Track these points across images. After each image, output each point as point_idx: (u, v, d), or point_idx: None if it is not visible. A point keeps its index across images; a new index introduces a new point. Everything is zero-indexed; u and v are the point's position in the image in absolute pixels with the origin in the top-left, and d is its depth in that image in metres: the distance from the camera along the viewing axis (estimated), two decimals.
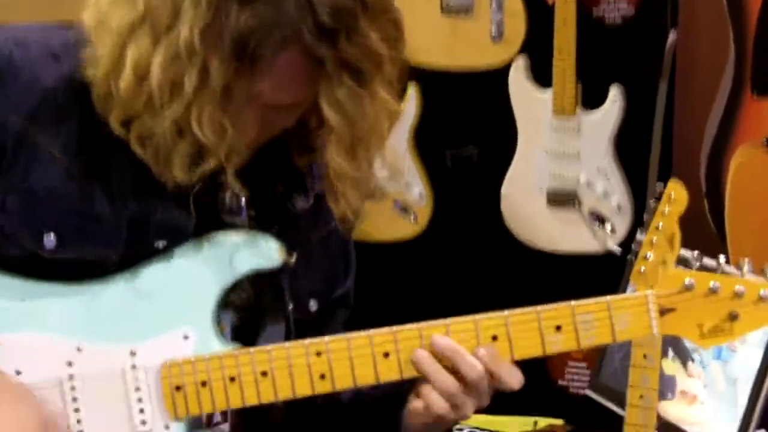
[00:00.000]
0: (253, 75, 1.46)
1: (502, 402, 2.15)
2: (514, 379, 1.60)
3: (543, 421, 2.84)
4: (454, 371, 1.59)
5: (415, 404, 1.64)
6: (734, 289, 1.59)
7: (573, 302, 1.60)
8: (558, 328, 1.60)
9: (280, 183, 1.68)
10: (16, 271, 1.58)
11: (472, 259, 3.21)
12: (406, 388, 1.65)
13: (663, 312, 1.61)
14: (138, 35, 1.48)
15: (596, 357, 2.66)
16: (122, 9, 1.49)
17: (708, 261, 1.66)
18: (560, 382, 3.01)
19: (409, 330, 1.59)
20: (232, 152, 1.52)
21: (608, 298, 1.61)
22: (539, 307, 1.60)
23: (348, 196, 1.59)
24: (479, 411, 2.25)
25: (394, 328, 1.59)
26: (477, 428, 2.77)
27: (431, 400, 1.60)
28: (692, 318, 1.61)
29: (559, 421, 2.85)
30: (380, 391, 1.65)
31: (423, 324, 1.59)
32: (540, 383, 2.95)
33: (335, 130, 1.51)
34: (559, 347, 1.61)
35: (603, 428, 2.16)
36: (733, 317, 1.60)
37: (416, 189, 3.12)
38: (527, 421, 2.83)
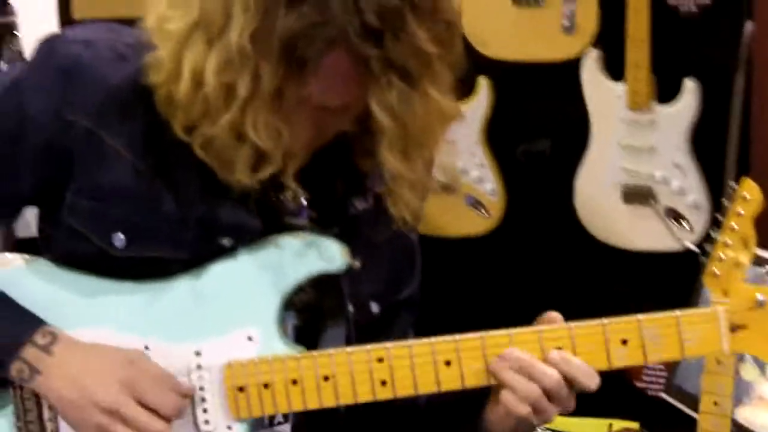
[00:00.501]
0: (302, 77, 1.46)
1: (578, 403, 2.13)
2: (591, 380, 1.57)
3: (618, 424, 2.81)
4: (531, 380, 1.57)
5: (495, 408, 1.63)
6: None
7: (640, 316, 1.58)
8: (624, 342, 1.58)
9: (341, 184, 1.67)
10: (86, 268, 1.62)
11: (544, 255, 3.18)
12: (484, 391, 1.63)
13: (734, 329, 1.58)
14: (193, 41, 1.48)
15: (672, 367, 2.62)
16: (178, 14, 1.50)
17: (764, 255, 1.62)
18: (638, 384, 2.97)
19: (471, 339, 1.58)
20: (289, 155, 1.53)
21: (677, 312, 1.59)
22: (605, 320, 1.58)
23: (405, 197, 1.59)
24: None
25: (457, 336, 1.58)
26: (550, 429, 2.74)
27: (513, 406, 1.58)
28: (764, 335, 1.58)
29: (634, 424, 2.82)
30: (459, 394, 1.63)
31: (485, 333, 1.58)
32: (617, 385, 2.92)
33: (386, 132, 1.50)
34: (625, 361, 1.59)
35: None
36: None
37: (488, 184, 3.10)
38: (602, 424, 2.80)
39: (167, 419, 1.57)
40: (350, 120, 1.57)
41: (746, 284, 1.60)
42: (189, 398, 1.58)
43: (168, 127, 1.54)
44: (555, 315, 1.62)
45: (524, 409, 1.57)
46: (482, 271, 3.26)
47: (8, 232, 3.39)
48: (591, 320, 1.58)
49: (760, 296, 1.57)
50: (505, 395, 1.58)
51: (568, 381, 1.57)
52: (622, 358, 1.58)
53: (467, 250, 3.21)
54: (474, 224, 3.14)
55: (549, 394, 1.56)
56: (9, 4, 3.53)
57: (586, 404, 2.58)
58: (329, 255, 1.62)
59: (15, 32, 3.54)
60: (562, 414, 1.61)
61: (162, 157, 1.59)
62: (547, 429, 2.70)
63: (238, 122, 1.48)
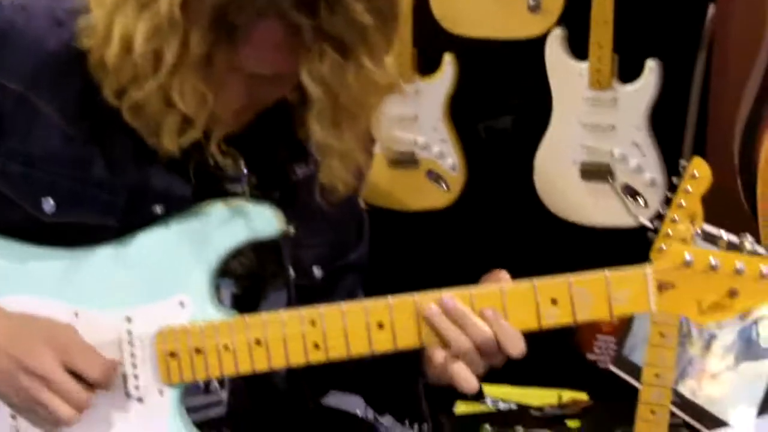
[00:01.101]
0: (233, 45, 1.46)
1: (530, 373, 2.15)
2: (516, 346, 1.56)
3: (567, 394, 2.83)
4: (464, 332, 1.56)
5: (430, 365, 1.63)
6: (734, 266, 1.56)
7: (570, 275, 1.58)
8: (554, 301, 1.57)
9: (283, 151, 1.68)
10: (16, 235, 1.61)
11: (503, 230, 3.19)
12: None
13: (662, 288, 1.59)
14: (125, 6, 1.49)
15: (623, 331, 2.65)
16: None
17: (712, 230, 1.64)
18: (589, 356, 2.99)
19: (404, 301, 1.58)
20: (216, 122, 1.53)
21: (606, 272, 1.58)
22: (536, 280, 1.59)
23: (334, 168, 1.59)
24: (505, 381, 2.24)
25: (389, 297, 1.58)
26: (500, 399, 2.77)
27: (445, 361, 1.57)
28: (691, 294, 1.58)
29: (583, 395, 2.84)
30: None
31: (417, 294, 1.58)
32: (569, 356, 2.94)
33: (316, 102, 1.50)
34: (555, 320, 1.58)
35: (625, 403, 2.15)
36: (732, 294, 1.57)
37: (450, 159, 3.11)
38: (551, 394, 2.82)
39: (94, 388, 1.56)
40: (286, 88, 1.57)
41: (676, 244, 1.61)
42: (117, 370, 1.58)
43: (101, 92, 1.54)
44: (502, 274, 1.62)
45: (455, 364, 1.56)
46: (442, 244, 3.26)
47: None
48: (522, 280, 1.58)
49: (688, 256, 1.57)
50: (437, 353, 1.57)
51: (497, 341, 1.56)
52: (551, 317, 1.58)
53: (427, 223, 3.21)
54: (434, 198, 3.14)
55: (480, 349, 1.56)
56: None
57: (537, 374, 2.62)
58: (262, 221, 1.61)
59: None
60: (507, 381, 1.61)
61: (95, 123, 1.58)
62: (496, 399, 2.74)
63: (165, 87, 1.49)
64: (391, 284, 1.83)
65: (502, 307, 1.57)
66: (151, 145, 1.56)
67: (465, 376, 1.57)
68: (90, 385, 1.56)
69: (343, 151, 1.57)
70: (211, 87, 1.50)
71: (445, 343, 1.57)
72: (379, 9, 1.47)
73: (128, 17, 1.48)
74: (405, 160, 3.11)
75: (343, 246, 1.83)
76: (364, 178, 1.72)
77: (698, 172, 1.88)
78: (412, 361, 1.65)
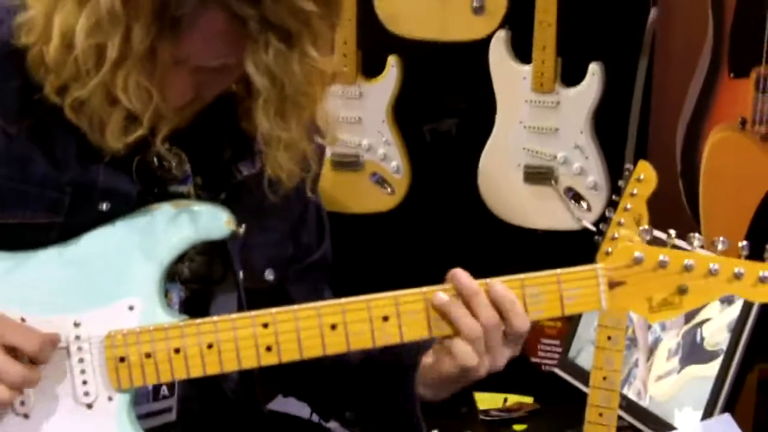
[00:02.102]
0: (177, 37, 1.43)
1: None
2: (524, 323, 1.56)
3: (513, 398, 2.84)
4: (473, 313, 1.55)
5: (428, 360, 1.64)
6: (683, 263, 1.57)
7: (523, 275, 1.58)
8: None
9: (228, 150, 1.66)
10: None
11: (448, 233, 3.20)
12: (417, 347, 1.64)
13: (612, 285, 1.59)
14: (64, 2, 1.45)
15: (567, 334, 2.66)
16: None
17: (659, 234, 1.64)
18: (533, 359, 3.00)
19: (356, 302, 1.57)
20: (161, 118, 1.50)
21: (558, 271, 1.58)
22: (488, 280, 1.58)
23: (279, 159, 1.56)
24: None
25: (342, 300, 1.57)
26: None
27: (457, 350, 1.56)
28: (641, 291, 1.59)
29: (528, 399, 2.85)
30: (391, 354, 1.64)
31: (370, 296, 1.57)
32: (513, 360, 2.94)
33: (262, 92, 1.47)
34: None
35: (571, 406, 2.15)
36: (682, 291, 1.58)
37: (394, 161, 3.11)
38: (497, 398, 2.83)
39: (35, 365, 1.51)
40: (231, 80, 1.55)
41: (626, 243, 1.61)
42: (55, 343, 1.53)
43: (41, 89, 1.51)
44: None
45: (466, 350, 1.55)
46: (386, 247, 3.27)
47: None
48: (476, 279, 1.57)
49: (638, 253, 1.57)
50: (447, 339, 1.56)
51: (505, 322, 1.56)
52: None
53: (372, 226, 3.21)
54: (378, 201, 3.14)
55: (486, 335, 1.55)
56: None
57: (483, 379, 2.61)
58: (211, 222, 1.59)
59: None
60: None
61: (35, 121, 1.54)
62: None
63: (108, 84, 1.45)
64: (336, 286, 1.82)
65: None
66: (94, 143, 1.52)
67: (470, 357, 1.56)
68: (30, 362, 1.51)
69: (288, 141, 1.54)
70: (155, 82, 1.47)
71: (455, 331, 1.55)
72: None
73: (68, 12, 1.44)
74: (349, 163, 3.11)
75: (306, 247, 1.81)
76: (316, 169, 1.68)
77: (644, 175, 1.90)
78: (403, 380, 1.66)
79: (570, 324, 2.64)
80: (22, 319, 1.54)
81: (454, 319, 1.56)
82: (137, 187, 1.59)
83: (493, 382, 2.73)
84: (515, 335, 1.57)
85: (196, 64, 1.48)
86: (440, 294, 1.56)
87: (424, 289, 1.58)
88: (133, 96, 1.46)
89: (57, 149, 1.55)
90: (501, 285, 1.56)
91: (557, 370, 2.62)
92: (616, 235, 1.87)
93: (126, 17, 1.41)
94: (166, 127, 1.52)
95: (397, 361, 1.68)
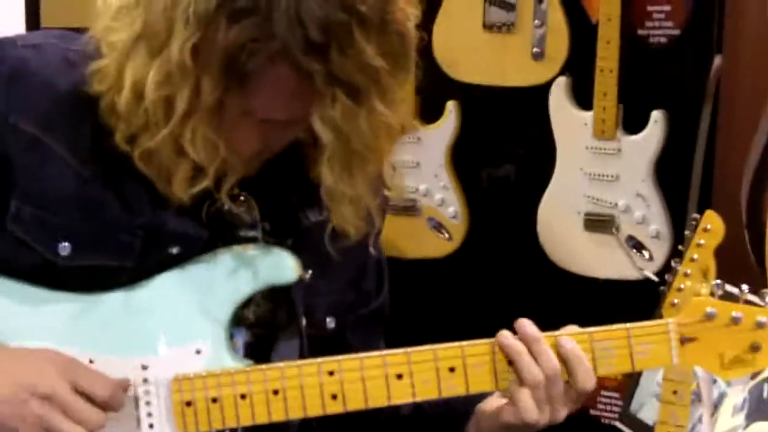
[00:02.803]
0: (245, 91, 1.44)
1: None
2: (589, 381, 1.55)
3: None
4: (535, 360, 1.55)
5: (487, 407, 1.63)
6: (757, 320, 1.56)
7: (591, 329, 1.57)
8: None
9: (295, 196, 1.66)
10: (31, 279, 1.57)
11: (506, 280, 3.18)
12: (472, 399, 1.64)
13: (684, 341, 1.58)
14: (136, 53, 1.47)
15: (628, 386, 2.62)
16: (122, 26, 1.49)
17: (731, 289, 1.62)
18: (592, 412, 2.97)
19: (422, 351, 1.56)
20: (228, 168, 1.51)
21: (628, 325, 1.58)
22: (557, 333, 1.57)
23: (344, 213, 1.56)
24: None
25: (409, 349, 1.56)
26: None
27: (519, 398, 1.55)
28: (713, 348, 1.58)
29: None
30: (443, 405, 1.63)
31: (437, 346, 1.57)
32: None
33: (328, 147, 1.47)
34: None
35: None
36: (755, 348, 1.57)
37: (451, 207, 3.10)
38: None
39: (105, 409, 1.52)
40: (299, 132, 1.55)
41: (698, 297, 1.59)
42: (127, 389, 1.54)
43: (112, 136, 1.52)
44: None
45: (528, 400, 1.54)
46: (442, 293, 3.25)
47: None
48: (544, 333, 1.57)
49: (710, 309, 1.56)
50: (513, 386, 1.55)
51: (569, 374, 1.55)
52: None
53: (428, 272, 3.20)
54: (435, 247, 3.14)
55: (548, 384, 1.54)
56: None
57: (540, 430, 2.56)
58: (278, 267, 1.59)
59: None
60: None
61: (108, 165, 1.55)
62: None
63: (176, 136, 1.47)
64: (393, 332, 1.81)
65: None
66: (162, 191, 1.54)
67: (531, 406, 1.54)
68: (101, 407, 1.52)
69: (354, 196, 1.54)
70: (222, 134, 1.47)
71: (519, 379, 1.55)
72: (391, 51, 1.45)
73: (139, 64, 1.46)
74: (406, 208, 3.10)
75: (361, 295, 1.80)
76: (379, 224, 1.68)
77: (711, 226, 1.88)
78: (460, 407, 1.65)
79: (630, 376, 2.60)
80: (91, 361, 1.55)
81: (517, 364, 1.55)
82: (207, 232, 1.60)
83: None
84: (579, 392, 1.56)
85: (264, 116, 1.49)
86: (507, 335, 1.56)
87: (491, 340, 1.58)
88: (200, 149, 1.47)
89: (128, 194, 1.56)
90: (568, 340, 1.56)
91: (618, 424, 2.58)
92: (683, 287, 1.85)
93: (196, 71, 1.43)
94: (233, 177, 1.53)
95: (449, 412, 1.68)
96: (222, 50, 1.41)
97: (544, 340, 1.55)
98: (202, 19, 1.41)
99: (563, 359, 1.55)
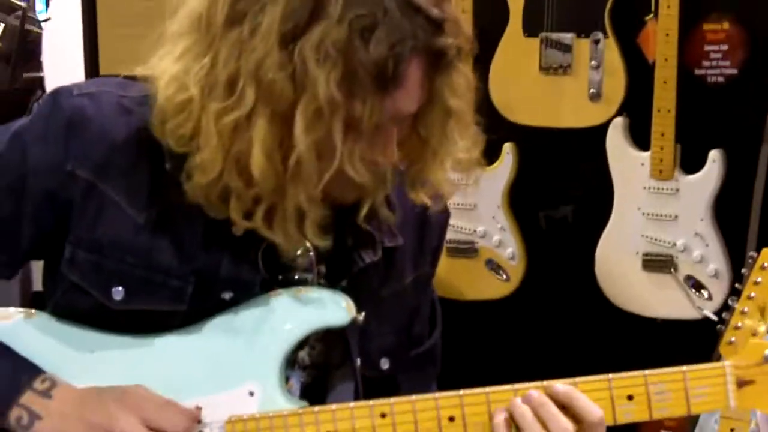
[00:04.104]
0: (395, 95, 1.46)
1: None
2: (595, 413, 1.52)
3: None
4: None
5: None
6: None
7: (647, 371, 1.56)
8: (630, 397, 1.54)
9: (350, 236, 1.66)
10: (86, 321, 1.60)
11: (564, 321, 3.17)
12: None
13: (741, 384, 1.55)
14: (252, 126, 1.46)
15: (688, 425, 2.59)
16: (219, 105, 1.48)
17: None
18: None
19: (475, 394, 1.55)
20: (382, 182, 1.55)
21: (684, 368, 1.56)
22: (611, 375, 1.56)
23: (436, 171, 1.58)
24: None
25: (461, 391, 1.56)
26: None
27: None
28: None
29: None
30: None
31: (489, 388, 1.56)
32: None
33: (453, 114, 1.51)
34: (631, 417, 1.55)
35: None
36: None
37: (509, 248, 3.10)
38: None
39: None
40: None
41: (755, 339, 1.57)
42: (197, 418, 1.56)
43: (173, 183, 1.53)
44: None
45: None
46: (500, 335, 3.24)
47: (25, 284, 3.40)
48: (596, 375, 1.55)
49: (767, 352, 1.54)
50: None
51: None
52: (627, 414, 1.54)
53: (486, 313, 3.19)
54: (493, 288, 3.13)
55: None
56: (38, 59, 3.55)
57: None
58: (333, 309, 1.60)
59: (43, 87, 3.56)
60: None
61: (164, 211, 1.57)
62: None
63: (337, 171, 1.47)
64: (449, 375, 1.81)
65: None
66: (286, 254, 1.57)
67: None
68: None
69: (445, 153, 1.57)
70: (378, 149, 1.51)
71: None
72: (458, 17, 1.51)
73: (262, 131, 1.46)
74: (464, 249, 3.10)
75: (414, 336, 1.80)
76: (437, 248, 1.74)
77: None
78: None
79: (689, 416, 2.58)
80: None
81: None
82: (261, 276, 1.61)
83: None
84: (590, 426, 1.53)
85: (400, 113, 1.50)
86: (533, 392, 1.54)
87: (543, 383, 1.56)
88: (361, 169, 1.49)
89: (184, 238, 1.58)
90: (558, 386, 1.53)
91: None
92: (740, 325, 1.84)
93: (345, 100, 1.44)
94: (383, 192, 1.58)
95: None
96: (369, 68, 1.42)
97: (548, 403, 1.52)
98: (341, 49, 1.41)
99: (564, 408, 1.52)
